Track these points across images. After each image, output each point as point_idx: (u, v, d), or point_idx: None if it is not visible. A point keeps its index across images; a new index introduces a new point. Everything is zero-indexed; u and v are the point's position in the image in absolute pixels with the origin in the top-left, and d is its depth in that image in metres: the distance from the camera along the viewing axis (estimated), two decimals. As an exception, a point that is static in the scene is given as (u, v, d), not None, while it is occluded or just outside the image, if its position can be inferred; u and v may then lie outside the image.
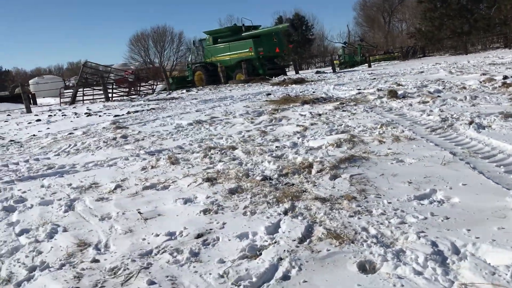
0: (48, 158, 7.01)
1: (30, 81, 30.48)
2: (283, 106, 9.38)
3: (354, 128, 5.97)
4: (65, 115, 14.30)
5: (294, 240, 2.76)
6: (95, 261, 2.86)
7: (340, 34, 56.84)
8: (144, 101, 16.87)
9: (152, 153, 6.07)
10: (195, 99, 15.37)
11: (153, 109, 13.03)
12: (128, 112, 12.66)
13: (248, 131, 6.90)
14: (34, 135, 10.09)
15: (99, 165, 5.81)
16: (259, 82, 21.27)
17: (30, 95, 20.68)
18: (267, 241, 2.82)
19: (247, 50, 25.11)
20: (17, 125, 12.83)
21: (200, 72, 27.06)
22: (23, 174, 5.77)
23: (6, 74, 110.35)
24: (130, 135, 7.93)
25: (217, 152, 5.36)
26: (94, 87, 20.10)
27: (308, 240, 2.74)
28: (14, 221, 3.84)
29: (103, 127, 9.45)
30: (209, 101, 13.98)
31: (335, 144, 4.92)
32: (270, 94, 14.37)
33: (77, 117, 13.28)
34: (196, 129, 7.78)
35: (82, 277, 2.66)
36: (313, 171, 4.06)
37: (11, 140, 9.63)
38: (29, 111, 16.73)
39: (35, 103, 22.11)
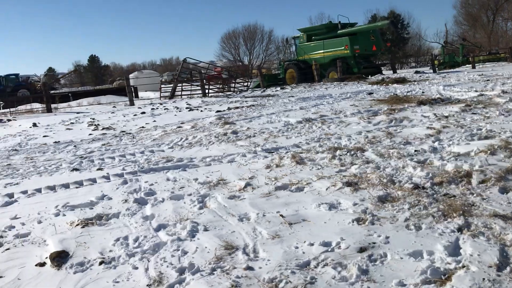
0: (162, 151, 7.04)
1: (130, 76, 32.21)
2: (397, 106, 8.76)
3: (499, 133, 5.29)
4: (167, 108, 14.67)
5: (490, 267, 2.29)
6: (249, 268, 2.61)
7: (437, 33, 53.86)
8: (240, 97, 16.89)
9: (269, 151, 5.83)
10: (292, 96, 15.07)
11: (253, 105, 12.92)
12: (229, 108, 12.65)
13: (368, 131, 6.43)
14: (142, 127, 10.36)
15: (217, 160, 5.67)
16: (355, 80, 20.54)
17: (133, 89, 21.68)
18: (450, 263, 2.39)
19: (343, 48, 24.38)
20: (124, 116, 13.34)
21: (292, 70, 26.76)
22: (143, 166, 5.78)
23: (105, 69, 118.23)
24: (240, 131, 7.78)
25: (345, 153, 4.97)
26: (192, 83, 20.58)
27: (508, 268, 2.26)
28: (149, 214, 3.73)
29: (210, 122, 9.44)
30: (308, 99, 13.61)
31: (488, 151, 4.32)
32: (372, 93, 13.71)
33: (179, 111, 13.54)
34: (307, 127, 7.44)
35: (240, 287, 2.41)
36: (474, 182, 3.54)
37: (122, 131, 9.95)
38: (132, 104, 17.44)
39: (136, 96, 23.13)
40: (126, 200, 4.16)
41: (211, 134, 7.74)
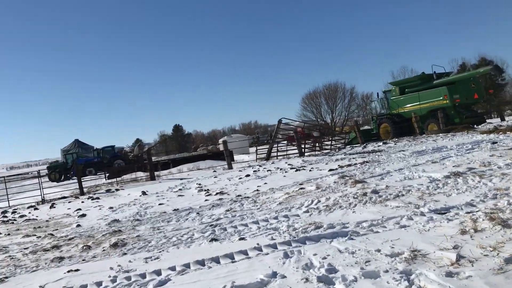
0: (298, 216, 6.37)
1: (220, 140, 32.84)
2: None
3: None
4: (269, 170, 14.20)
5: None
6: None
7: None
8: (343, 155, 16.10)
9: (440, 212, 4.93)
10: (403, 151, 14.01)
11: (366, 162, 12.06)
12: (341, 166, 11.90)
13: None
14: (257, 190, 9.85)
15: (379, 225, 4.86)
16: (462, 131, 19.07)
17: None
18: None
19: (441, 98, 23.05)
20: (229, 180, 13.01)
21: (386, 124, 25.67)
22: (293, 234, 5.10)
23: (188, 136, 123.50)
24: (380, 190, 6.93)
25: None
26: (288, 143, 20.23)
27: None
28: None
29: (334, 182, 8.69)
30: (424, 152, 12.51)
31: None
32: (496, 142, 12.35)
33: (285, 172, 12.99)
34: (462, 182, 6.44)
35: None
36: None
37: (238, 195, 9.48)
38: (230, 167, 17.27)
39: (232, 159, 23.19)
40: (307, 279, 3.44)
41: (346, 195, 6.97)
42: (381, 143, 19.09)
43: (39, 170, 36.87)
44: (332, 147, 20.61)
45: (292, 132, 20.25)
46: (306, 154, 19.17)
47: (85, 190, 15.53)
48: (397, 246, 3.86)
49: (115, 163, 38.52)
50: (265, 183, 10.81)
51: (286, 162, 16.28)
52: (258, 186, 10.46)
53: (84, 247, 6.43)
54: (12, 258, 6.45)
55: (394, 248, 3.80)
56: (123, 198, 12.74)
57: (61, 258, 5.99)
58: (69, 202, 13.76)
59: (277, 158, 19.13)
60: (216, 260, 4.63)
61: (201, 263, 4.61)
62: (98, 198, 13.35)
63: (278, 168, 14.56)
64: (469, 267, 3.12)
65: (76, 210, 11.20)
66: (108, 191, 14.78)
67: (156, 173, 16.96)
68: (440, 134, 18.80)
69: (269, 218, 6.44)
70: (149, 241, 6.23)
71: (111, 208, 10.53)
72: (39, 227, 9.49)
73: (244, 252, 4.70)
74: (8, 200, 15.13)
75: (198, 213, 7.91)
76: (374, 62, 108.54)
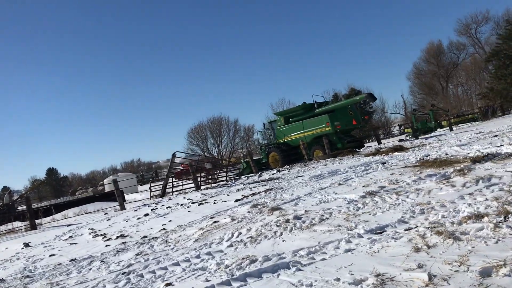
0: (221, 251, 5.88)
1: (105, 180, 30.54)
2: (450, 168, 8.05)
3: None
4: (169, 207, 13.42)
5: None
6: None
7: (396, 104, 56.11)
8: (242, 184, 15.90)
9: (375, 232, 4.83)
10: (299, 176, 14.24)
11: (270, 189, 11.95)
12: (245, 196, 11.63)
13: (475, 195, 5.57)
14: (164, 229, 9.10)
15: (319, 252, 4.60)
16: (348, 155, 20.15)
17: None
18: None
19: (323, 125, 24.32)
20: (126, 222, 11.97)
21: (274, 153, 26.28)
22: (228, 273, 4.60)
23: (64, 180, 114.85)
24: (300, 215, 6.73)
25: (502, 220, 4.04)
26: (184, 178, 19.52)
27: None
28: None
29: (248, 211, 8.34)
30: (321, 176, 12.80)
31: None
32: (385, 163, 13.13)
33: (188, 207, 12.34)
34: (381, 201, 6.52)
35: None
36: None
37: (144, 237, 8.64)
38: (123, 208, 16.04)
39: (123, 199, 21.62)
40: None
41: (268, 224, 6.65)
42: (275, 171, 19.33)
43: None
44: (227, 178, 20.36)
45: (180, 167, 19.64)
46: (202, 187, 18.64)
47: None
48: (356, 272, 3.59)
49: (-20, 215, 33.95)
50: (170, 221, 10.07)
51: (184, 197, 15.60)
52: (163, 225, 9.69)
53: (-37, 320, 5.19)
54: None
55: (354, 275, 3.52)
56: (0, 253, 10.96)
57: None
58: None
59: (172, 194, 18.30)
60: (147, 314, 3.95)
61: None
62: (-33, 256, 11.30)
63: (177, 204, 13.83)
64: (446, 286, 2.94)
65: None
66: (-22, 247, 12.64)
67: (37, 221, 15.03)
68: (328, 159, 19.63)
69: (190, 258, 5.83)
70: (51, 302, 5.23)
71: (-11, 266, 8.90)
72: None
73: (179, 300, 4.08)
74: None
75: (102, 261, 6.95)
76: (253, 95, 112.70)
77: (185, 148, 54.52)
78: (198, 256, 5.85)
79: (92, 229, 11.72)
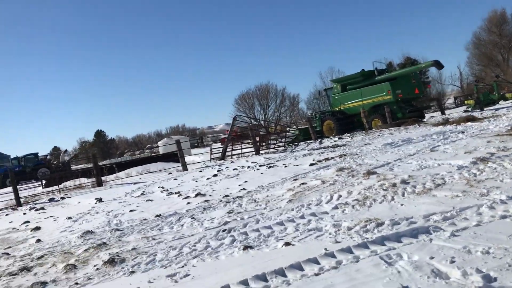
0: (327, 213, 5.52)
1: (159, 143, 30.86)
2: None
3: None
4: (236, 168, 13.21)
5: None
6: None
7: (452, 75, 53.63)
8: (307, 150, 15.48)
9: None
10: (368, 144, 13.66)
11: (344, 155, 11.46)
12: (319, 161, 11.19)
13: None
14: (244, 188, 8.84)
15: (459, 217, 4.14)
16: (413, 124, 19.30)
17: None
18: None
19: (384, 93, 23.35)
20: (196, 181, 11.84)
21: (329, 121, 25.63)
22: (359, 235, 4.23)
23: (111, 142, 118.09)
24: (407, 180, 6.24)
25: None
26: (243, 141, 19.35)
27: None
28: None
29: (336, 175, 7.92)
30: (395, 144, 12.18)
31: None
32: (464, 132, 12.35)
33: (257, 169, 12.06)
34: (501, 168, 5.93)
35: None
36: None
37: (226, 196, 8.40)
38: (185, 169, 15.99)
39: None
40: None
41: (371, 188, 6.22)
42: (336, 138, 18.79)
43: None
44: (285, 144, 19.98)
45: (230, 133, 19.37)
46: (261, 152, 18.37)
47: (22, 200, 13.50)
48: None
49: (39, 172, 35.33)
50: (246, 182, 9.80)
51: (246, 161, 15.36)
52: (239, 185, 9.44)
53: (67, 267, 5.09)
54: (-31, 288, 4.94)
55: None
56: (74, 207, 11.10)
57: (43, 284, 4.65)
58: (6, 215, 11.78)
59: (231, 158, 18.13)
60: (281, 272, 3.64)
61: (263, 278, 3.59)
62: (43, 208, 11.54)
63: (243, 166, 13.58)
64: None
65: (24, 223, 9.46)
66: (51, 200, 12.93)
67: (102, 178, 15.23)
68: (392, 128, 18.85)
69: (294, 218, 5.51)
70: (154, 254, 5.05)
71: (69, 218, 8.96)
72: (-17, 246, 7.76)
73: (314, 261, 3.74)
74: None
75: (192, 218, 6.76)
76: (300, 64, 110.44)
77: (231, 115, 54.55)
78: (302, 217, 5.52)
79: (162, 187, 11.66)
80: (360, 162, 9.36)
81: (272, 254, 4.27)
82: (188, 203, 8.30)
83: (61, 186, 15.01)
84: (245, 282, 3.56)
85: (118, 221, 7.66)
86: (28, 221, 9.57)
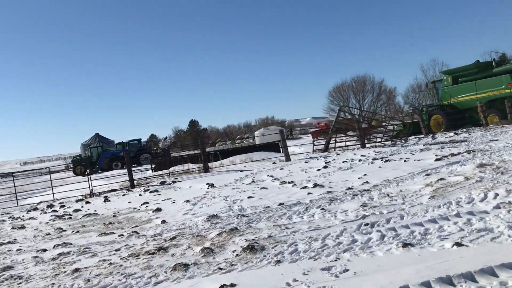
0: (487, 212, 4.81)
1: (256, 133, 31.13)
2: None
3: None
4: (345, 161, 12.66)
5: None
6: None
7: None
8: (423, 145, 14.45)
9: None
10: (495, 140, 12.35)
11: (473, 151, 10.41)
12: (445, 156, 10.26)
13: None
14: (367, 182, 8.29)
15: None
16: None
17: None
18: None
19: (503, 86, 21.25)
20: (306, 172, 11.49)
21: (438, 116, 23.97)
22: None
23: (204, 132, 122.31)
24: None
25: None
26: (347, 134, 18.69)
27: None
28: None
29: (480, 171, 7.09)
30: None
31: None
32: None
33: (371, 163, 11.42)
34: None
35: None
36: None
37: (349, 188, 7.91)
38: (288, 159, 15.70)
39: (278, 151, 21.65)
40: None
41: (534, 187, 5.38)
42: (451, 133, 17.41)
43: (75, 158, 35.84)
44: (392, 138, 18.95)
45: (354, 121, 18.62)
46: (368, 145, 17.56)
47: (135, 182, 14.07)
48: None
49: (142, 157, 37.23)
50: (365, 175, 9.23)
51: (354, 154, 14.69)
52: (359, 178, 8.91)
53: (205, 251, 4.93)
54: (110, 263, 4.96)
55: None
56: (186, 190, 11.27)
57: (186, 266, 4.49)
58: (123, 195, 12.30)
59: (334, 150, 17.53)
60: (469, 277, 3.09)
61: (448, 281, 3.07)
62: (156, 191, 11.88)
63: (352, 159, 12.98)
64: None
65: (143, 203, 9.73)
66: (163, 183, 13.30)
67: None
68: (516, 125, 17.06)
69: (449, 216, 4.89)
70: (295, 244, 4.73)
71: (187, 201, 9.03)
72: (110, 223, 8.03)
73: (511, 267, 3.15)
74: (53, 193, 13.72)
75: (322, 209, 6.36)
76: (398, 56, 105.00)
77: (325, 108, 53.55)
78: (457, 215, 4.89)
79: (271, 176, 11.46)
80: (499, 158, 8.36)
81: (442, 254, 3.73)
82: (309, 193, 7.92)
83: (170, 170, 15.44)
84: (427, 284, 3.08)
85: (240, 207, 7.49)
86: (147, 202, 9.83)
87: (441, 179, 7.00)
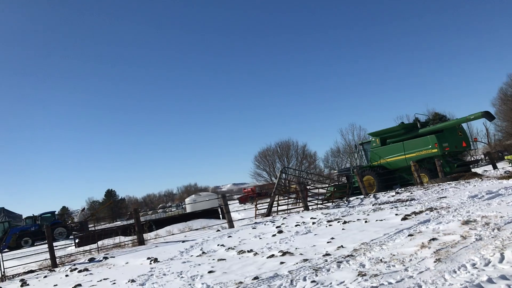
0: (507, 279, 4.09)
1: (187, 200, 29.51)
2: None
3: None
4: (298, 225, 11.78)
5: None
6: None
7: (477, 132, 52.93)
8: (372, 205, 14.01)
9: None
10: (443, 197, 12.23)
11: (435, 208, 10.02)
12: (408, 215, 9.75)
13: None
14: (341, 246, 7.40)
15: None
16: (472, 178, 17.91)
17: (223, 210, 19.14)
18: None
19: (430, 147, 22.07)
20: (260, 239, 10.43)
21: (369, 177, 24.22)
22: None
23: (122, 202, 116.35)
24: None
25: None
26: (290, 196, 17.92)
27: None
28: None
29: (470, 228, 6.50)
30: (480, 196, 10.76)
31: None
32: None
33: (328, 225, 10.62)
34: None
35: None
36: None
37: (326, 255, 6.95)
38: (231, 225, 14.50)
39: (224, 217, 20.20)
40: None
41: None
42: (392, 193, 17.33)
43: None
44: (333, 200, 18.50)
45: (295, 183, 17.97)
46: (311, 208, 16.90)
47: (57, 260, 12.01)
48: None
49: (56, 231, 33.86)
50: (332, 238, 8.37)
51: (301, 216, 13.88)
52: (328, 242, 8.03)
53: None
54: None
55: None
56: (123, 268, 9.64)
57: None
58: (44, 277, 10.29)
59: (276, 214, 16.64)
60: None
61: None
62: (87, 269, 10.06)
63: (303, 222, 12.15)
64: None
65: (74, 287, 7.98)
66: (92, 260, 11.43)
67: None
68: (451, 182, 17.41)
69: (481, 283, 4.10)
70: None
71: (132, 281, 7.51)
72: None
73: None
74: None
75: (313, 281, 5.32)
76: (325, 121, 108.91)
77: (251, 172, 53.27)
78: (490, 281, 4.11)
79: (223, 244, 10.23)
80: (473, 215, 7.93)
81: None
82: (282, 262, 6.85)
83: (99, 244, 13.51)
84: None
85: (205, 285, 6.20)
86: (79, 285, 8.10)
87: (433, 239, 6.30)
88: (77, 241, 17.25)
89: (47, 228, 12.35)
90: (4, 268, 11.29)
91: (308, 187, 20.04)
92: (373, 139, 25.46)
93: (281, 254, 7.57)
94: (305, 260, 6.74)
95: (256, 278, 6.07)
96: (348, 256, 6.49)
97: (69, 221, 41.94)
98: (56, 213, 41.52)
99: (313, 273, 5.77)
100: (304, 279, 5.48)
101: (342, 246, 7.37)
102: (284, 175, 17.85)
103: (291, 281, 5.52)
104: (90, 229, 34.02)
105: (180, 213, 28.07)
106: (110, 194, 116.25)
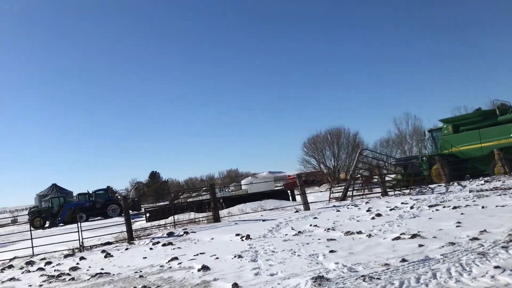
0: None
1: (243, 181, 29.14)
2: None
3: None
4: (392, 209, 10.75)
5: None
6: None
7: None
8: (469, 191, 12.81)
9: None
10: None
11: None
12: None
13: None
14: (485, 230, 6.35)
15: None
16: None
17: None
18: None
19: (511, 135, 20.36)
20: (350, 220, 9.50)
21: (439, 165, 22.72)
22: None
23: (165, 184, 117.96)
24: None
25: None
26: (368, 180, 16.92)
27: None
28: None
29: None
30: None
31: None
32: None
33: (436, 210, 9.56)
34: None
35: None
36: None
37: (474, 239, 5.94)
38: (307, 207, 13.63)
39: (294, 199, 19.50)
40: None
41: None
42: (481, 181, 15.93)
43: (32, 209, 32.13)
44: (411, 187, 17.30)
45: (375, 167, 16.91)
46: (390, 194, 15.82)
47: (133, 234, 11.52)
48: None
49: (109, 208, 34.12)
50: (459, 222, 7.32)
51: (387, 201, 12.84)
52: (457, 227, 7.02)
53: None
54: None
55: None
56: (210, 243, 9.04)
57: None
58: (126, 249, 9.78)
59: (351, 199, 15.63)
60: None
61: None
62: (171, 243, 9.47)
63: (396, 207, 11.08)
64: None
65: (171, 260, 7.32)
66: (171, 234, 10.86)
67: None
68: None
69: None
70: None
71: (239, 256, 6.76)
72: (144, 287, 5.62)
73: None
74: (32, 247, 10.92)
75: (496, 266, 4.33)
76: (379, 109, 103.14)
77: (299, 159, 52.24)
78: None
79: (316, 225, 9.40)
80: None
81: None
82: (420, 245, 5.88)
83: (173, 219, 12.93)
84: None
85: (340, 265, 5.32)
86: (175, 258, 7.42)
87: None
88: (147, 215, 16.90)
89: (124, 200, 11.89)
90: (82, 238, 10.86)
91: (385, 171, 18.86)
92: (445, 126, 23.82)
93: (409, 236, 6.61)
94: (452, 243, 5.74)
95: (404, 260, 5.14)
96: (501, 243, 5.45)
97: (120, 198, 42.39)
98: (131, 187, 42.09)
99: (481, 257, 4.79)
100: (476, 263, 4.52)
101: (485, 230, 6.32)
102: (362, 157, 16.75)
103: (461, 264, 4.57)
104: (157, 205, 34.00)
105: (244, 193, 27.48)
106: (154, 175, 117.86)
